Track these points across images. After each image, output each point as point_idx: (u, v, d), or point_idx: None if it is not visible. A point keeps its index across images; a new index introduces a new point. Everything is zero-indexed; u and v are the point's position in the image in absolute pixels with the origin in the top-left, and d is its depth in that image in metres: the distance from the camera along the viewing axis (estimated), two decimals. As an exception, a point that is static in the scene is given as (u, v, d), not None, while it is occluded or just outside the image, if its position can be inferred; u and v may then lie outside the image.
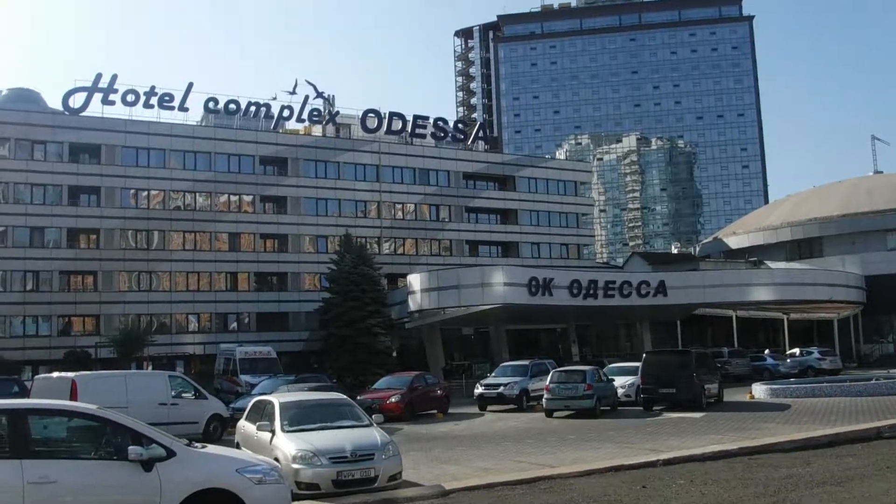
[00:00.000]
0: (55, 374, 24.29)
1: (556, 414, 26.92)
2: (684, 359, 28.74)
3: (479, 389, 31.41)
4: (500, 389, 30.53)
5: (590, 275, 51.20)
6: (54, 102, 60.79)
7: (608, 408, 27.61)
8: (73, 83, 61.08)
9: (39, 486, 8.30)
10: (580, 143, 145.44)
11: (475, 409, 30.40)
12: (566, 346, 57.26)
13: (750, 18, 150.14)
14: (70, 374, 22.72)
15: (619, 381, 30.14)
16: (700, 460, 15.34)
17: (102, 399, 17.62)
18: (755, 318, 60.78)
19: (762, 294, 53.03)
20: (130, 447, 8.69)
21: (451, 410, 30.10)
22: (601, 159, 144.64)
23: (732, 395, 30.77)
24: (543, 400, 27.39)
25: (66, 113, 57.18)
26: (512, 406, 30.40)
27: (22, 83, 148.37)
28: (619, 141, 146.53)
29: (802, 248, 67.74)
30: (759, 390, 31.30)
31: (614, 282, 48.84)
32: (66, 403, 10.46)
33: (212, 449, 9.86)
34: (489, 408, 30.49)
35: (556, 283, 46.49)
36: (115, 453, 8.83)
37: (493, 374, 33.70)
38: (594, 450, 17.70)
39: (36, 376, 29.04)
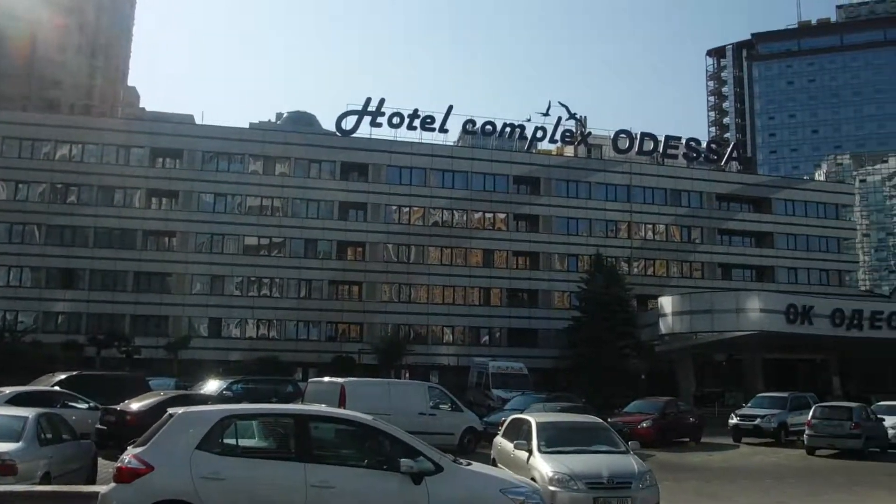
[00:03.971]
0: (326, 379, 25.89)
1: (818, 452, 25.56)
2: (969, 400, 25.95)
3: (733, 420, 30.37)
4: (758, 421, 29.35)
5: (853, 303, 48.83)
6: (326, 124, 66.07)
7: (877, 450, 25.80)
8: (344, 106, 65.74)
9: (320, 489, 8.63)
10: (841, 164, 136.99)
11: (728, 440, 29.38)
12: (826, 380, 53.56)
13: None
14: (340, 380, 24.09)
15: (889, 422, 27.85)
16: None
17: (367, 405, 18.72)
18: None
19: None
20: (402, 459, 8.81)
21: (702, 440, 29.30)
22: (864, 180, 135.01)
23: None
24: (805, 436, 26.02)
25: (338, 134, 61.88)
26: (769, 440, 29.19)
27: (298, 106, 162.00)
28: (885, 161, 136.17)
29: None
30: None
31: (881, 312, 46.32)
32: (345, 412, 10.89)
33: (476, 467, 9.81)
34: (744, 439, 29.45)
35: (816, 311, 44.59)
36: (386, 464, 9.00)
37: (748, 405, 32.48)
38: (866, 496, 16.64)
39: (309, 379, 31.25)
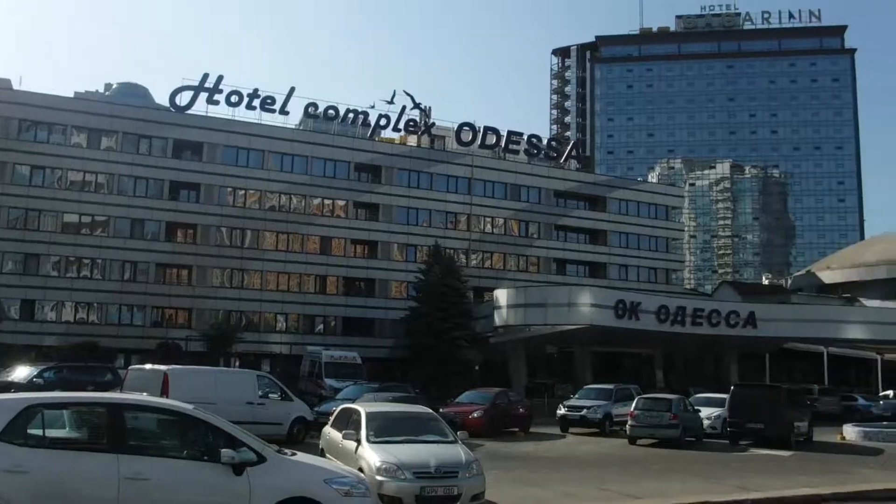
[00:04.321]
0: (148, 366, 24.63)
1: (639, 441, 26.50)
2: (774, 394, 27.98)
3: (561, 410, 31.00)
4: (584, 412, 30.07)
5: (678, 301, 51.36)
6: (161, 98, 62.81)
7: (693, 439, 27.15)
8: (179, 81, 62.72)
9: (133, 482, 8.32)
10: (672, 168, 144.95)
11: (556, 430, 30.04)
12: (651, 373, 56.39)
13: (852, 51, 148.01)
14: (163, 368, 23.01)
15: (705, 413, 29.55)
16: (790, 503, 15.04)
17: (192, 394, 17.99)
18: (847, 355, 58.65)
19: (855, 332, 51.82)
20: (223, 450, 8.67)
21: (532, 430, 29.81)
22: (693, 185, 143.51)
23: (822, 434, 29.71)
24: (627, 426, 26.95)
25: (172, 110, 58.90)
26: (594, 430, 29.98)
27: (131, 78, 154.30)
28: (713, 167, 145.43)
29: (899, 287, 65.26)
30: (851, 432, 30.36)
31: (703, 310, 48.53)
32: (163, 401, 10.48)
33: (301, 457, 9.79)
34: (571, 430, 30.15)
35: (643, 307, 46.26)
36: (207, 454, 8.83)
37: (576, 396, 33.29)
38: (679, 482, 17.40)
39: (129, 367, 29.65)
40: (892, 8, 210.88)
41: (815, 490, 16.19)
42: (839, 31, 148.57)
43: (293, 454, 9.66)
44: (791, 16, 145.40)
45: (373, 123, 64.35)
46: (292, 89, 60.51)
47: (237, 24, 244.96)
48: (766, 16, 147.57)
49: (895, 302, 61.42)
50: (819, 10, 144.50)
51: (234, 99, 59.07)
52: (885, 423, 35.45)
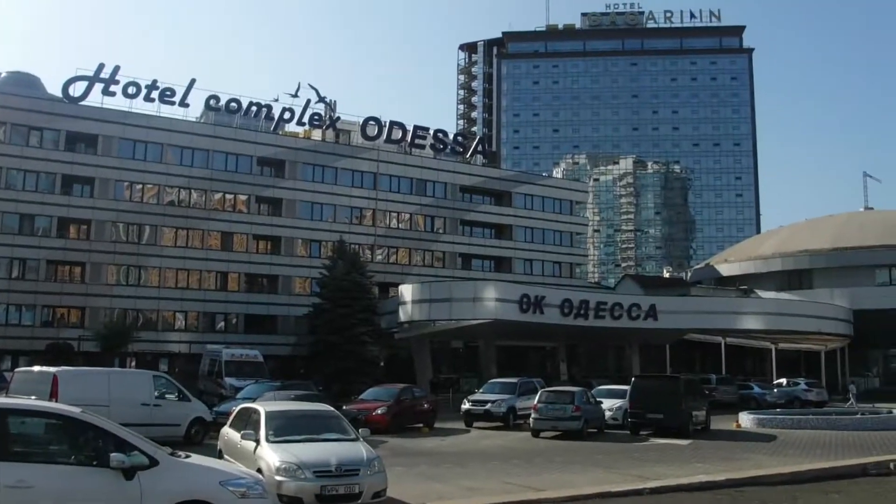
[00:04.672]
0: (36, 368, 24.04)
1: (542, 434, 26.82)
2: (673, 385, 28.70)
3: (466, 405, 31.21)
4: (488, 406, 30.32)
5: (581, 294, 51.79)
6: (53, 89, 60.13)
7: (595, 430, 27.63)
8: (73, 71, 60.32)
9: (16, 490, 8.04)
10: (577, 163, 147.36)
11: (461, 425, 30.17)
12: (555, 366, 57.11)
13: (750, 51, 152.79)
14: (52, 369, 22.37)
15: (607, 404, 30.07)
16: (687, 490, 15.42)
17: (84, 396, 17.54)
18: (743, 345, 60.72)
19: (751, 323, 53.49)
20: (113, 454, 8.45)
21: (437, 425, 29.85)
22: (597, 180, 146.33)
23: (719, 422, 30.69)
24: (531, 419, 27.25)
25: (65, 101, 56.44)
26: (499, 423, 30.18)
27: (22, 67, 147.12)
28: (616, 163, 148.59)
29: (792, 279, 67.88)
30: (746, 419, 31.41)
31: (605, 303, 49.19)
32: (48, 405, 10.18)
33: (196, 459, 9.65)
34: (475, 424, 30.26)
35: (547, 301, 46.60)
36: (96, 459, 8.60)
37: (480, 390, 33.54)
38: (581, 473, 17.66)
39: (16, 369, 28.48)
40: (788, 9, 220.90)
41: (712, 477, 16.64)
42: (738, 31, 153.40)
43: (187, 456, 9.53)
44: (692, 15, 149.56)
45: (276, 117, 63.12)
46: (193, 81, 58.82)
47: (135, 13, 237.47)
48: (668, 15, 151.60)
49: (789, 293, 63.78)
50: (719, 10, 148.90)
51: (131, 90, 57.06)
52: (778, 410, 37.37)
